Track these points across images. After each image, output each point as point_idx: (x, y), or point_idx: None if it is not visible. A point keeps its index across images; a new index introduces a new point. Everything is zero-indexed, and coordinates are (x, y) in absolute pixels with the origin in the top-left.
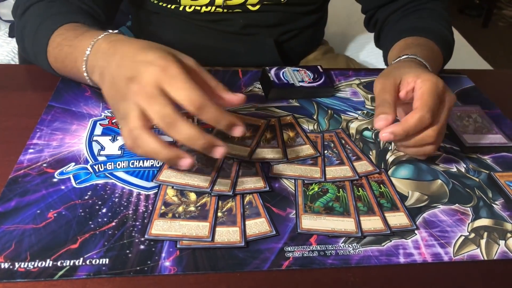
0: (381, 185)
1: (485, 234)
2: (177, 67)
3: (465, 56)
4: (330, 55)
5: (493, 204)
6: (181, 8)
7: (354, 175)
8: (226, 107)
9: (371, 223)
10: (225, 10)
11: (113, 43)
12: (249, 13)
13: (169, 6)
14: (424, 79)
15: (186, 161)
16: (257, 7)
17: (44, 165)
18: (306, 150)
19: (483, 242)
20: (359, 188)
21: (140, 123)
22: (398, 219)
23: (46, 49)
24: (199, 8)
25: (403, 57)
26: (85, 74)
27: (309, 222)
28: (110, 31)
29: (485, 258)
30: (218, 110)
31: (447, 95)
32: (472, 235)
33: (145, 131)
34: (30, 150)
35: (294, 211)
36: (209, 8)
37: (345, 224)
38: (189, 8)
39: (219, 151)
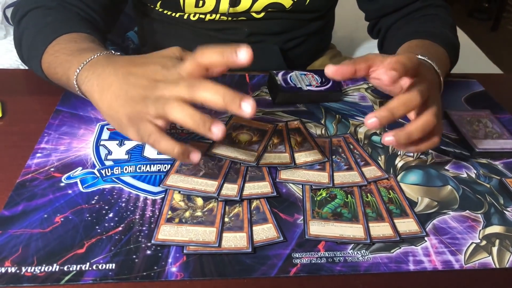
0: (390, 190)
1: (497, 241)
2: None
3: (475, 60)
4: (338, 59)
5: (504, 211)
6: (185, 17)
7: (362, 181)
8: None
9: (380, 229)
10: (229, 18)
11: (112, 59)
12: (254, 21)
13: (173, 14)
14: (398, 57)
15: (195, 155)
16: (262, 14)
17: (52, 169)
18: (314, 155)
19: (495, 249)
20: (368, 194)
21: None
22: (407, 225)
23: (42, 55)
24: (203, 16)
25: None
26: (74, 82)
27: (317, 228)
28: (113, 51)
29: (497, 266)
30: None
31: (424, 73)
32: (484, 242)
33: (162, 133)
34: (38, 155)
35: (302, 217)
36: (213, 16)
37: (354, 231)
38: (194, 16)
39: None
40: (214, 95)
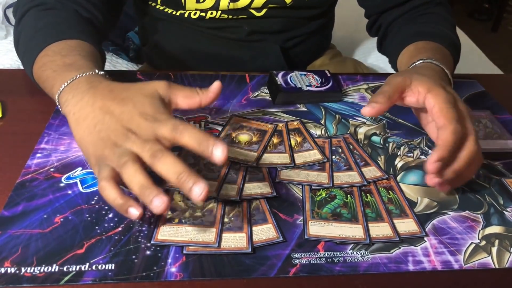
0: (389, 191)
1: (497, 241)
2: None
3: (475, 60)
4: (338, 59)
5: (504, 211)
6: (186, 15)
7: (362, 181)
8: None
9: (380, 229)
10: (229, 16)
11: (94, 84)
12: (254, 19)
13: (174, 12)
14: (435, 93)
15: (133, 212)
16: (263, 11)
17: (52, 169)
18: (314, 155)
19: (494, 250)
20: (367, 194)
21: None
22: (407, 225)
23: (32, 66)
24: (204, 14)
25: (418, 62)
26: (57, 103)
27: (316, 229)
28: (97, 70)
29: (497, 266)
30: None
31: (461, 105)
32: (483, 242)
33: (112, 181)
34: (38, 155)
35: (302, 217)
36: (214, 13)
37: (353, 231)
38: (194, 14)
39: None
40: (170, 171)
